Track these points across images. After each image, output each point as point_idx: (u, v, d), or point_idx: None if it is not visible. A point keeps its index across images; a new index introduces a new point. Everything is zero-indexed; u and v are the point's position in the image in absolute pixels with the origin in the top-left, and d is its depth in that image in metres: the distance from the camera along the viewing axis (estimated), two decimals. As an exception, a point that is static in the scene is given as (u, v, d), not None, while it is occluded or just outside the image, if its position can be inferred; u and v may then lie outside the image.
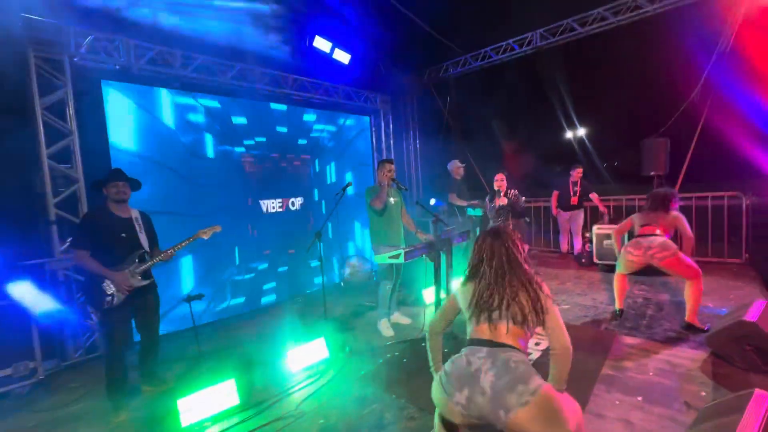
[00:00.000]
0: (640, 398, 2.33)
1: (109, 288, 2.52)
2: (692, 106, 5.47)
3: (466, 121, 8.34)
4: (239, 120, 4.66)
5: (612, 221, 5.50)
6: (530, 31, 5.78)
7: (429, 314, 3.87)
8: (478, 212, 5.23)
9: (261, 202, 4.83)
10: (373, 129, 6.72)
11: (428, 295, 4.28)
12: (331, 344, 3.21)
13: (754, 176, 5.40)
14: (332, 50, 5.48)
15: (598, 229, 5.21)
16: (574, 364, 2.81)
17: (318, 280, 5.33)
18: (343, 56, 5.62)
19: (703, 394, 2.32)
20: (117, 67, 3.80)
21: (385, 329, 3.67)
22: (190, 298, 3.17)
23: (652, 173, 5.22)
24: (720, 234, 5.27)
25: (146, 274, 2.68)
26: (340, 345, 3.29)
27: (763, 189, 5.07)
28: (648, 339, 3.11)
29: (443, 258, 3.50)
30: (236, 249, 4.57)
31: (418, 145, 8.04)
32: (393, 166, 3.69)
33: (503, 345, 1.59)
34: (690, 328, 3.17)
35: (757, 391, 1.68)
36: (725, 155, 5.51)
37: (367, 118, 6.52)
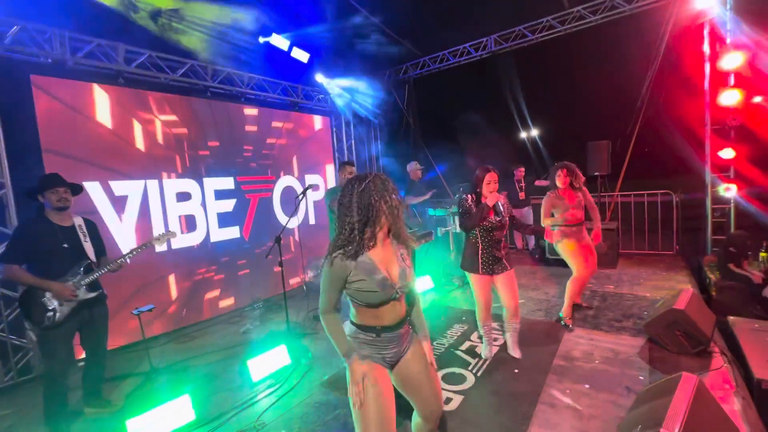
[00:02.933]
0: (587, 386, 2.51)
1: (51, 302, 2.31)
2: (632, 112, 5.95)
3: (427, 123, 8.50)
4: (191, 120, 4.43)
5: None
6: (485, 36, 6.00)
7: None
8: (441, 212, 5.34)
9: (217, 204, 4.64)
10: (334, 129, 6.66)
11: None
12: (294, 351, 3.15)
13: (685, 174, 5.96)
14: (290, 48, 5.36)
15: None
16: (530, 356, 2.96)
17: (272, 286, 5.20)
18: (301, 55, 5.51)
19: (641, 377, 2.54)
20: (49, 60, 3.47)
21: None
22: (139, 311, 2.98)
23: (596, 173, 5.61)
24: (655, 228, 5.79)
25: (93, 286, 2.49)
26: (302, 351, 3.24)
27: (692, 186, 5.61)
28: (594, 329, 3.35)
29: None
30: (191, 255, 4.35)
31: (380, 146, 8.09)
32: (354, 168, 3.71)
33: None
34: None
35: (685, 374, 1.88)
36: (659, 156, 6.04)
37: (327, 119, 6.45)
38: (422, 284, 4.56)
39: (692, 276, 4.69)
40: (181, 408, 2.35)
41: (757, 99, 4.63)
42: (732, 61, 4.50)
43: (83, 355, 2.63)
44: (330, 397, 2.63)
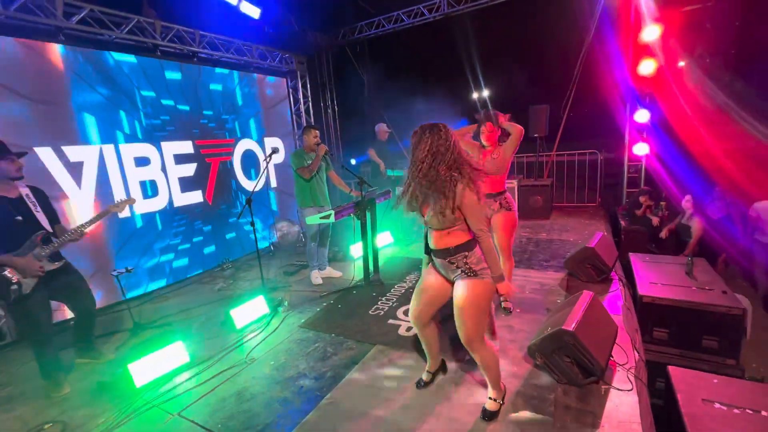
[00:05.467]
0: (519, 310, 3.12)
1: (13, 275, 2.23)
2: (569, 79, 6.53)
3: (383, 85, 8.59)
4: (143, 82, 4.27)
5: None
6: (438, -2, 6.14)
7: (358, 267, 4.32)
8: (398, 173, 5.70)
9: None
10: (291, 91, 6.61)
11: (356, 250, 4.73)
12: (270, 302, 3.47)
13: (609, 136, 6.77)
14: (239, 1, 5.15)
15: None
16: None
17: (239, 247, 5.40)
18: (251, 9, 5.31)
19: (559, 301, 3.20)
20: (-25, 13, 3.19)
21: (315, 279, 4.07)
22: (118, 273, 3.12)
23: (535, 135, 6.22)
24: (582, 184, 6.62)
25: (55, 257, 2.41)
26: (278, 301, 3.57)
27: (614, 146, 6.43)
28: (527, 268, 4.01)
29: (368, 216, 3.92)
30: (157, 217, 4.39)
31: (336, 108, 8.13)
32: (318, 132, 3.88)
33: (440, 251, 1.83)
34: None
35: (584, 291, 2.48)
36: (590, 120, 6.77)
37: (283, 80, 6.37)
38: (383, 239, 5.01)
39: (608, 223, 5.57)
40: (176, 352, 2.63)
41: (681, 63, 5.32)
42: (650, 33, 5.13)
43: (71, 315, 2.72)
44: (309, 334, 3.03)
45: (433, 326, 2.13)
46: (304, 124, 6.63)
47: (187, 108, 4.75)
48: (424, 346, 2.19)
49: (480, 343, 1.87)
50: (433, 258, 1.92)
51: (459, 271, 1.82)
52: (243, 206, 3.55)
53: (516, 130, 2.78)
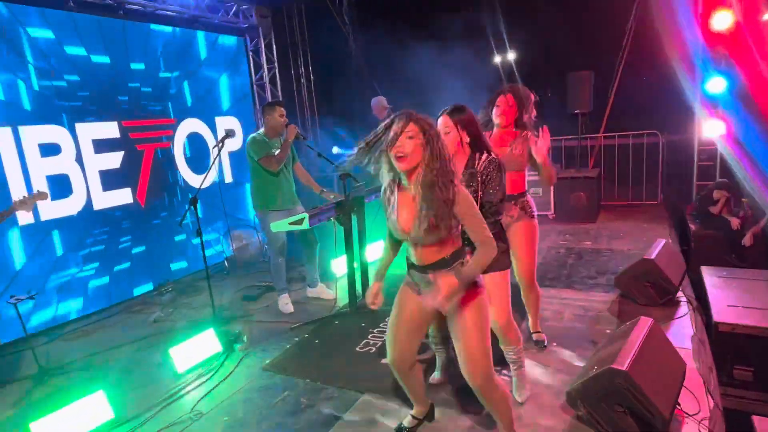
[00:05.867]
0: (555, 344, 3.14)
1: None
2: (618, 40, 6.61)
3: (375, 44, 8.62)
4: (51, 43, 4.25)
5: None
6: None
7: (341, 289, 4.32)
8: None
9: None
10: (251, 54, 6.62)
11: (339, 266, 4.73)
12: (224, 337, 3.46)
13: (673, 113, 6.86)
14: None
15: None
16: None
17: (183, 264, 5.39)
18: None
19: (608, 331, 3.22)
20: None
21: (284, 306, 4.09)
22: (17, 300, 3.09)
23: (576, 111, 6.29)
24: (638, 175, 6.70)
25: None
26: (235, 335, 3.56)
27: (679, 126, 6.51)
28: (566, 288, 4.05)
29: (355, 221, 3.93)
30: (71, 224, 4.36)
31: (311, 76, 8.16)
32: (284, 110, 3.89)
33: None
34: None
35: (642, 318, 2.50)
36: (646, 92, 6.84)
37: (241, 39, 6.39)
38: (375, 250, 5.01)
39: (674, 227, 5.65)
40: (95, 405, 2.60)
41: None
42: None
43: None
44: (275, 380, 3.02)
45: (417, 366, 2.23)
46: (269, 98, 6.64)
47: (106, 60, 4.69)
48: (408, 393, 2.30)
49: (492, 379, 1.96)
50: (418, 274, 1.97)
51: None
52: (186, 209, 3.54)
53: (545, 173, 2.72)
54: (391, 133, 1.75)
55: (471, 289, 1.89)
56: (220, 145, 3.69)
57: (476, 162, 2.20)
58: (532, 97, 2.80)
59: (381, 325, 3.64)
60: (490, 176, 2.17)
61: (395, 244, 2.11)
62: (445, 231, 1.80)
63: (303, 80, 8.15)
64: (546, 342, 3.12)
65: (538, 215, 2.93)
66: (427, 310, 1.99)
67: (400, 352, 2.12)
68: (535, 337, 3.14)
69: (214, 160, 3.78)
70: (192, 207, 3.51)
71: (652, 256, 3.50)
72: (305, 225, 3.34)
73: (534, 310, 3.10)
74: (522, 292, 3.01)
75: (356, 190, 3.87)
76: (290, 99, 7.71)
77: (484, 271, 2.02)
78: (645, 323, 2.43)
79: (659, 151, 6.55)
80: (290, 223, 3.39)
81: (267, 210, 3.91)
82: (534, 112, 2.82)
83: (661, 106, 6.68)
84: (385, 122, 1.82)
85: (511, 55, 8.26)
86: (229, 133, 3.76)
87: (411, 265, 1.98)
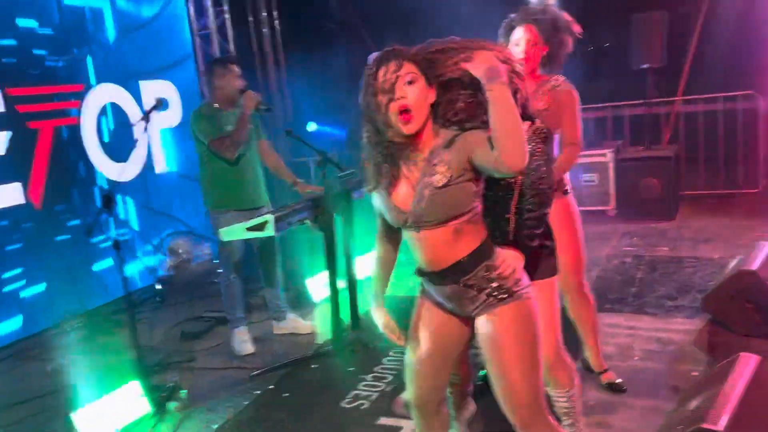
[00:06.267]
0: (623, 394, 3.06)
1: None
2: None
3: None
4: None
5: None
6: None
7: (323, 316, 4.26)
8: None
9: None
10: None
11: (317, 286, 4.67)
12: (153, 392, 3.37)
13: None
14: None
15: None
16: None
17: (98, 290, 5.31)
18: None
19: (695, 374, 3.16)
20: None
21: (241, 344, 4.06)
22: None
23: (644, 66, 6.24)
24: (731, 154, 6.66)
25: None
26: (169, 389, 3.48)
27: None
28: (636, 312, 4.00)
29: (339, 222, 3.87)
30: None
31: (278, 26, 8.08)
32: (238, 69, 3.86)
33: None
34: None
35: (743, 355, 2.44)
36: (739, 42, 6.80)
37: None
38: (368, 264, 4.96)
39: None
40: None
41: None
42: None
43: None
44: (226, 452, 2.97)
45: (444, 412, 2.23)
46: (218, 55, 6.59)
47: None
48: None
49: (542, 417, 1.93)
50: (433, 285, 1.96)
51: (483, 297, 1.86)
52: (97, 211, 3.48)
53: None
54: (382, 84, 1.71)
55: (516, 302, 1.83)
56: (146, 119, 3.61)
57: None
58: (568, 23, 2.68)
59: (376, 369, 3.58)
60: (534, 153, 2.08)
61: (392, 238, 2.06)
62: (461, 195, 1.76)
63: (265, 29, 8.07)
64: (622, 384, 3.03)
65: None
66: (457, 338, 2.02)
67: (426, 391, 2.09)
68: (603, 379, 3.06)
69: (139, 140, 3.72)
70: (105, 209, 3.42)
71: (754, 266, 3.43)
72: (269, 231, 3.28)
73: (593, 333, 3.05)
74: (569, 306, 2.96)
75: (340, 182, 3.80)
76: (248, 56, 7.65)
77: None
78: (747, 362, 2.37)
79: (759, 119, 6.49)
80: (248, 229, 3.32)
81: (222, 210, 3.90)
82: (570, 45, 2.71)
83: (762, 59, 6.67)
84: (366, 77, 1.77)
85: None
86: (160, 104, 3.70)
87: (422, 273, 1.96)
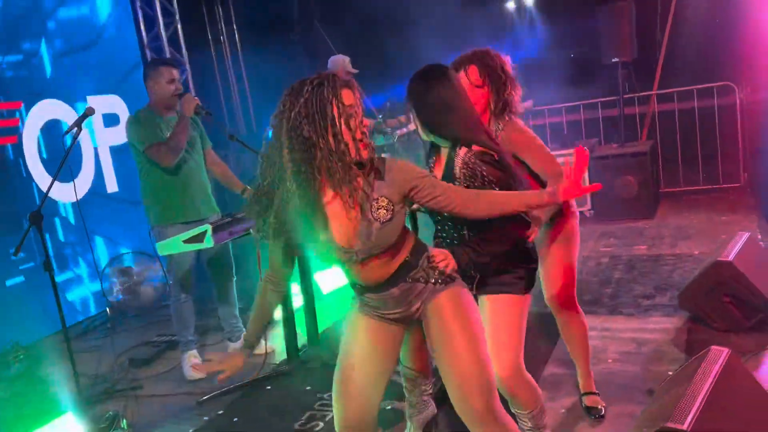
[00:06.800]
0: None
1: None
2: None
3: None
4: None
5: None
6: None
7: (277, 336, 4.18)
8: (380, 141, 5.67)
9: None
10: (139, 4, 6.48)
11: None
12: (93, 421, 3.25)
13: (753, 59, 6.82)
14: None
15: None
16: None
17: (41, 320, 5.08)
18: None
19: (671, 373, 3.05)
20: None
21: (190, 369, 3.94)
22: None
23: (615, 60, 6.24)
24: (710, 148, 6.66)
25: None
26: (109, 419, 3.32)
27: (763, 77, 6.47)
28: (611, 314, 3.95)
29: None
30: None
31: (236, 33, 8.02)
32: (176, 72, 3.82)
33: None
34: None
35: (713, 348, 2.34)
36: (713, 29, 6.82)
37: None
38: (330, 276, 4.91)
39: (763, 217, 5.55)
40: None
41: None
42: None
43: None
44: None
45: None
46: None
47: None
48: None
49: (497, 407, 1.96)
50: (376, 294, 2.00)
51: (430, 287, 1.99)
52: (25, 230, 3.38)
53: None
54: (352, 108, 1.78)
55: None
56: (75, 130, 3.51)
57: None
58: (507, 64, 2.57)
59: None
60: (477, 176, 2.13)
61: (282, 283, 2.07)
62: (401, 222, 1.90)
63: (223, 37, 8.02)
64: (603, 410, 2.86)
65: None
66: (391, 348, 2.10)
67: (354, 413, 2.05)
68: (586, 401, 2.92)
69: (66, 154, 3.58)
70: (34, 226, 3.30)
71: (730, 257, 3.36)
72: (207, 242, 3.20)
73: (584, 353, 2.93)
74: (560, 326, 2.91)
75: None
76: (205, 64, 7.58)
77: (483, 291, 2.24)
78: (717, 357, 2.27)
79: (737, 112, 6.51)
80: (185, 241, 3.24)
81: (166, 224, 3.82)
82: (518, 88, 2.59)
83: (736, 49, 6.66)
84: (314, 102, 1.74)
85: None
86: (91, 111, 3.61)
87: (362, 289, 2.02)
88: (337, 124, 1.73)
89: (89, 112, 3.59)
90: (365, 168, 1.84)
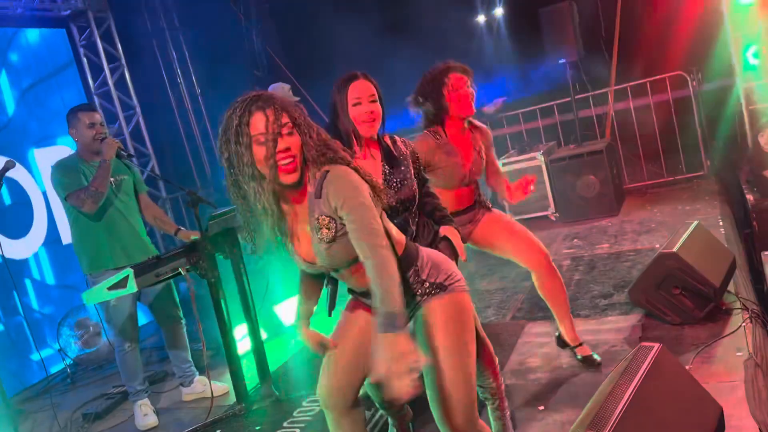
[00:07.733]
0: (542, 407, 2.91)
1: None
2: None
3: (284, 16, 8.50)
4: None
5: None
6: None
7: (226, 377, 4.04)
8: None
9: None
10: (83, 51, 6.45)
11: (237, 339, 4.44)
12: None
13: (703, 48, 6.82)
14: None
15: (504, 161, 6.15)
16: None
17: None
18: None
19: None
20: None
21: (142, 417, 3.88)
22: None
23: (562, 61, 6.24)
24: (670, 141, 6.65)
25: None
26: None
27: (715, 65, 6.46)
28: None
29: (230, 268, 3.66)
30: None
31: (193, 71, 8.00)
32: (97, 116, 3.80)
33: None
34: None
35: (642, 345, 2.25)
36: (658, 19, 6.84)
37: (62, 33, 6.28)
38: (288, 310, 4.77)
39: (730, 204, 5.57)
40: None
41: None
42: None
43: None
44: None
45: (359, 414, 2.30)
46: (120, 111, 6.60)
47: None
48: None
49: (478, 424, 1.99)
50: (364, 301, 2.10)
51: (418, 299, 1.97)
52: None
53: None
54: (266, 136, 1.67)
55: (449, 294, 1.96)
56: (-1, 183, 3.47)
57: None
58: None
59: (286, 424, 3.41)
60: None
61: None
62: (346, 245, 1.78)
63: (180, 79, 7.98)
64: (599, 358, 3.15)
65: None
66: None
67: (333, 389, 2.19)
68: (578, 353, 3.20)
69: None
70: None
71: (674, 248, 3.31)
72: (131, 287, 3.10)
73: (564, 306, 3.23)
74: (537, 285, 3.20)
75: (220, 220, 3.58)
76: (163, 107, 7.55)
77: None
78: (645, 354, 2.20)
79: (692, 100, 6.50)
80: (109, 288, 3.14)
81: (98, 273, 3.75)
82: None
83: (687, 37, 6.68)
84: (229, 126, 1.70)
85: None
86: (12, 164, 3.57)
87: (354, 293, 2.14)
88: (243, 152, 1.68)
89: (9, 165, 3.55)
90: (301, 188, 1.79)
